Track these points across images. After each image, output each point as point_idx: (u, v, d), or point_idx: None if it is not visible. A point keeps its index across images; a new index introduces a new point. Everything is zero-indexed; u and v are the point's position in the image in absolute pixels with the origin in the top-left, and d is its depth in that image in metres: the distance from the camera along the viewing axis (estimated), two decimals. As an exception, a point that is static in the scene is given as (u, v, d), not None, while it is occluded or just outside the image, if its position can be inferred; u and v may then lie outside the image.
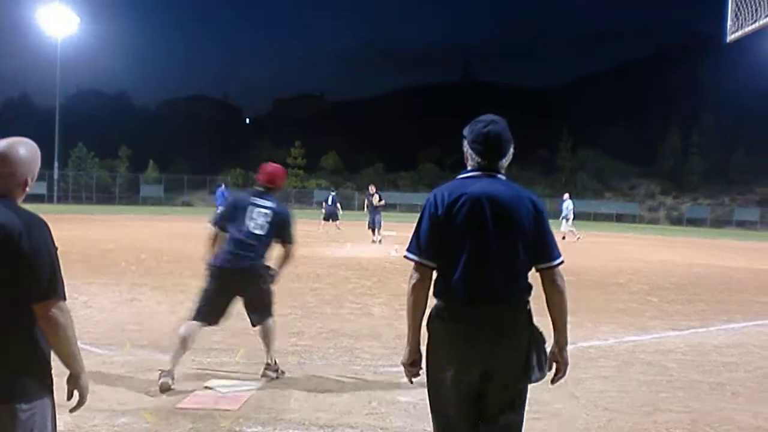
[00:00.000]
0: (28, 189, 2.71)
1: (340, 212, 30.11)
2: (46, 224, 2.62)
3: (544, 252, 3.22)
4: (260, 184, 6.47)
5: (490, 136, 3.24)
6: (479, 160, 3.27)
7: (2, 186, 2.62)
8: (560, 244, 3.36)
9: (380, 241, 23.98)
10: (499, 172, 3.29)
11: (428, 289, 3.20)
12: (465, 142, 3.34)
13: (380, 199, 24.58)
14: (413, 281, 3.18)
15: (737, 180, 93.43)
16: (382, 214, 25.01)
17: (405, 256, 3.25)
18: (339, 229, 29.01)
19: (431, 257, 3.17)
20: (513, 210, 3.16)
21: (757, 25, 6.18)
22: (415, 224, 3.26)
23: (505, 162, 3.32)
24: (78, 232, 24.70)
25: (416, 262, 3.19)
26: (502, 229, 3.14)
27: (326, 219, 29.37)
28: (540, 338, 3.20)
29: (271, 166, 6.63)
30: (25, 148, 2.72)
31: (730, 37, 6.56)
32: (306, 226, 37.68)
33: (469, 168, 3.33)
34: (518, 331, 3.14)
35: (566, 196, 33.35)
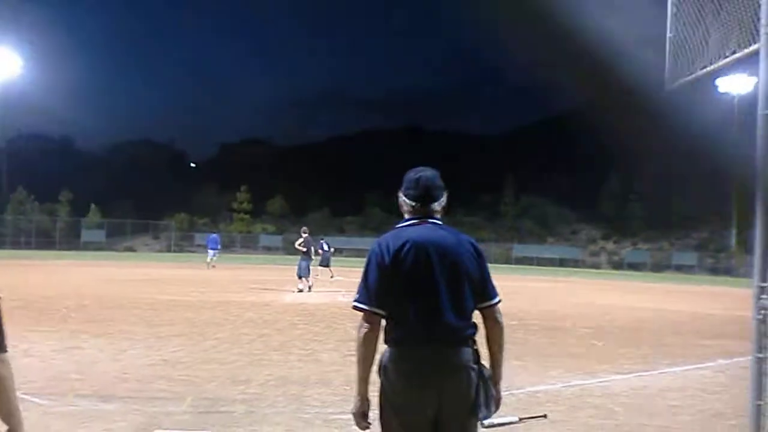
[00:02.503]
0: None
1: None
2: None
3: (485, 292, 3.34)
4: None
5: (421, 180, 3.39)
6: (413, 204, 3.39)
7: None
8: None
9: (302, 290, 22.07)
10: (435, 218, 3.40)
11: (378, 338, 3.24)
12: (399, 194, 3.46)
13: (301, 243, 22.52)
14: (364, 330, 3.21)
15: (676, 225, 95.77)
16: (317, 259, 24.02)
17: (354, 307, 3.27)
18: (332, 276, 29.20)
19: (381, 305, 3.22)
20: (456, 253, 3.27)
21: (693, 76, 6.40)
22: (361, 275, 3.29)
23: (438, 207, 3.42)
24: (17, 278, 24.09)
25: (366, 311, 3.22)
26: (448, 272, 3.23)
27: (324, 265, 29.46)
28: (487, 377, 3.27)
29: None
30: None
31: (669, 88, 6.78)
32: (253, 271, 37.39)
33: (406, 217, 3.44)
34: (468, 370, 3.19)
35: None
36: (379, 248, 3.28)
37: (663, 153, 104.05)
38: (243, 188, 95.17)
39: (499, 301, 3.38)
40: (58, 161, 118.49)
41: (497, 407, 3.36)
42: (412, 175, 3.43)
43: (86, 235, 78.76)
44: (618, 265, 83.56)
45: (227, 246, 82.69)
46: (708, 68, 6.01)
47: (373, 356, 3.23)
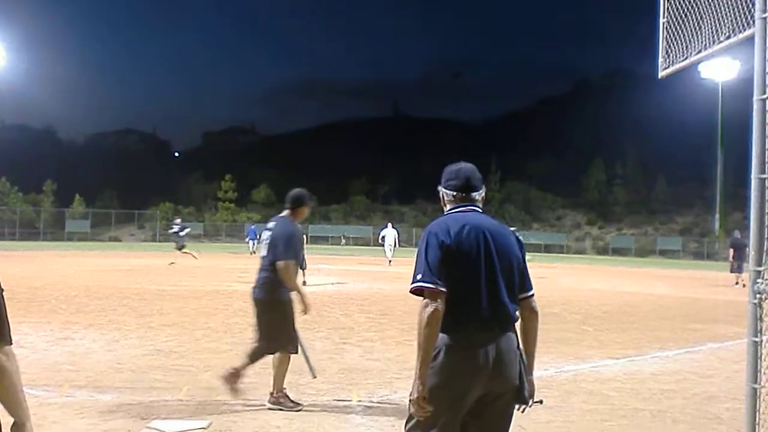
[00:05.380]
0: None
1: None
2: None
3: (526, 282, 3.38)
4: None
5: (462, 170, 3.46)
6: (455, 194, 3.43)
7: None
8: None
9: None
10: (477, 206, 3.43)
11: (442, 317, 3.11)
12: (440, 188, 3.49)
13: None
14: (431, 309, 3.07)
15: (659, 210, 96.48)
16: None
17: (420, 286, 3.14)
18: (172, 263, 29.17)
19: (445, 284, 3.12)
20: (508, 241, 3.34)
21: (688, 61, 6.40)
22: (419, 256, 3.22)
23: (479, 197, 3.47)
24: (2, 269, 23.90)
25: (432, 290, 3.10)
26: (504, 258, 3.27)
27: (179, 248, 30.64)
28: (524, 363, 3.29)
29: None
30: None
31: (662, 74, 6.78)
32: (239, 260, 37.31)
33: (449, 207, 3.45)
34: (518, 355, 3.25)
35: (389, 225, 35.71)
36: (439, 229, 3.25)
37: (646, 139, 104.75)
38: (227, 177, 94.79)
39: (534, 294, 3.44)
40: (41, 151, 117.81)
41: (531, 396, 3.35)
42: (452, 167, 3.50)
43: (71, 225, 78.10)
44: (603, 251, 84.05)
45: (212, 235, 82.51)
46: (701, 53, 6.03)
47: (437, 337, 3.12)
